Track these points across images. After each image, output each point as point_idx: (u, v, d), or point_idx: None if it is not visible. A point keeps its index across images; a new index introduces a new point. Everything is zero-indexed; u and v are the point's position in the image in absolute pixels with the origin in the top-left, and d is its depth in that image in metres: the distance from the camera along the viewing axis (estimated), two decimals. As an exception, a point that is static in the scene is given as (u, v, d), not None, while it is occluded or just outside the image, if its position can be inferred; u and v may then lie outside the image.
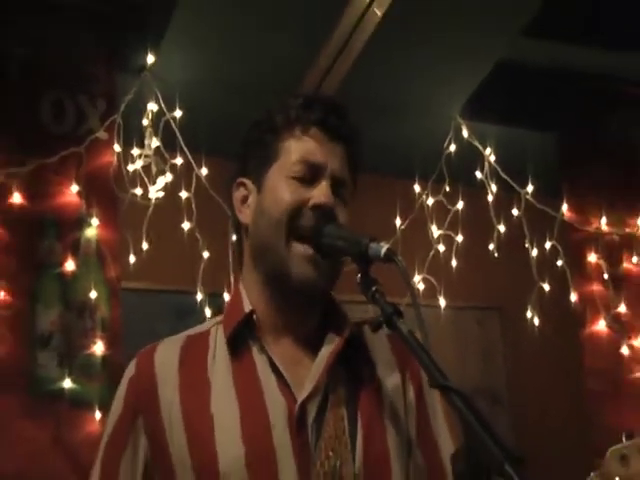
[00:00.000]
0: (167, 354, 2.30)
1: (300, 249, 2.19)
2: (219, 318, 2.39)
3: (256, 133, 2.34)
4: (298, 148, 2.26)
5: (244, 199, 2.32)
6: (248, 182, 2.31)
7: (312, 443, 2.17)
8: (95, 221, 4.63)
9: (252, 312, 2.26)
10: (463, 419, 1.86)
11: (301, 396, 2.18)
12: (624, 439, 2.05)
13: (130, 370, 2.32)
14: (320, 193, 2.21)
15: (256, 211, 2.28)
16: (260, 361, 2.24)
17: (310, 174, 2.23)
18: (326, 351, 2.24)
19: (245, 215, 2.31)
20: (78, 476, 2.40)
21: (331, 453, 2.17)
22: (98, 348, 4.46)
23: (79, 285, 4.56)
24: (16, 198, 4.54)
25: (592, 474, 2.05)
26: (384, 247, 2.07)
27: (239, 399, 2.20)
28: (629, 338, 5.58)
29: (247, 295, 2.31)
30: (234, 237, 2.41)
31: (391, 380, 2.30)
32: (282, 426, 2.16)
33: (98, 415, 4.33)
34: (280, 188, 2.24)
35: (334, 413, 2.20)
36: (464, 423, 1.85)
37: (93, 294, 4.55)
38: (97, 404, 4.35)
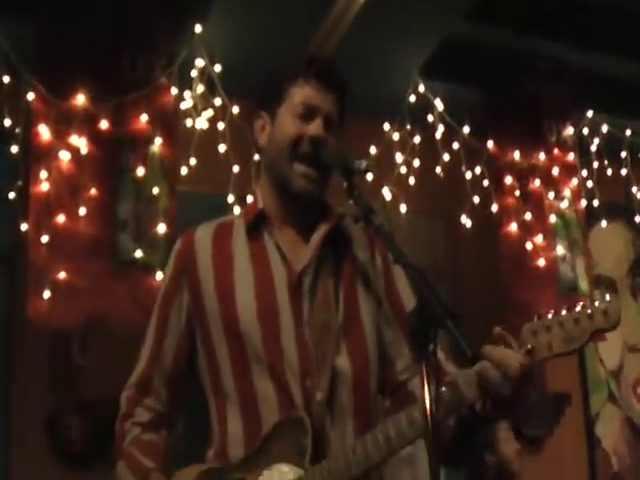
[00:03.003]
0: (203, 234, 2.41)
1: (300, 168, 2.29)
2: (240, 213, 2.52)
3: (272, 80, 2.42)
4: (300, 93, 2.33)
5: (262, 128, 2.41)
6: (265, 115, 2.40)
7: (306, 305, 2.28)
8: (159, 140, 4.67)
9: (264, 208, 2.39)
10: (417, 286, 1.97)
11: (298, 268, 2.31)
12: (535, 319, 2.04)
13: (177, 244, 2.44)
14: (315, 127, 2.31)
15: (269, 137, 2.38)
16: (269, 243, 2.35)
17: (309, 113, 2.31)
18: (317, 236, 2.35)
19: (262, 139, 2.41)
20: (146, 318, 2.58)
21: (322, 311, 2.28)
22: (160, 228, 4.54)
23: (147, 185, 4.60)
24: (103, 124, 4.58)
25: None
26: (364, 163, 2.23)
27: (253, 269, 2.33)
28: (531, 236, 5.73)
29: (261, 196, 2.41)
30: (256, 157, 2.61)
31: (364, 256, 2.39)
32: (283, 290, 2.29)
33: (160, 275, 4.33)
34: (286, 123, 2.33)
35: (323, 282, 2.31)
36: (417, 289, 1.96)
37: (156, 190, 4.61)
38: (159, 268, 4.40)
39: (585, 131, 6.03)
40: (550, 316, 2.02)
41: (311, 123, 2.32)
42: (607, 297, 2.01)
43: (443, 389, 2.04)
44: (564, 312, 2.01)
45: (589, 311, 1.99)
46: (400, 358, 2.36)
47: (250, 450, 2.23)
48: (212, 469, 2.28)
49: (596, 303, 1.98)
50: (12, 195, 4.53)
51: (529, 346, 2.01)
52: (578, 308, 2.00)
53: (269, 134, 2.38)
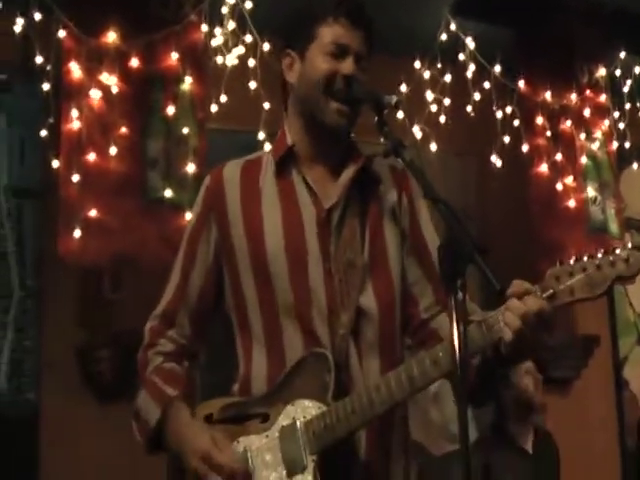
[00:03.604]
0: (232, 170, 2.43)
1: (334, 105, 2.29)
2: (269, 150, 2.53)
3: (300, 19, 2.42)
4: (331, 32, 2.32)
5: (290, 64, 2.39)
6: (293, 53, 2.38)
7: (333, 242, 2.30)
8: (189, 79, 4.66)
9: (293, 145, 2.39)
10: (446, 220, 1.97)
11: (327, 205, 2.32)
12: (557, 264, 2.05)
13: (206, 180, 2.46)
14: (347, 65, 2.30)
15: (300, 75, 2.36)
16: (297, 180, 2.37)
17: (339, 52, 2.31)
18: (346, 175, 2.36)
19: (290, 76, 2.39)
20: (173, 254, 2.59)
21: (348, 249, 2.30)
22: (189, 168, 4.57)
23: (177, 124, 4.61)
24: (134, 62, 4.58)
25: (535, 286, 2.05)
26: (394, 98, 2.23)
27: (281, 206, 2.34)
28: (562, 177, 5.70)
29: (290, 133, 2.41)
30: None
31: (391, 196, 2.40)
32: (312, 226, 2.31)
33: (189, 214, 4.19)
34: (318, 61, 2.32)
35: (350, 221, 2.33)
36: (447, 223, 1.96)
37: (186, 130, 4.61)
38: (188, 207, 4.38)
39: (617, 72, 5.96)
40: (573, 262, 2.03)
41: (342, 61, 2.32)
42: (629, 245, 2.01)
43: (470, 327, 2.05)
44: (586, 258, 2.02)
45: (611, 258, 1.99)
46: (424, 297, 2.38)
47: (273, 385, 2.26)
48: (235, 402, 2.33)
49: (618, 251, 1.99)
50: (44, 133, 4.55)
51: (551, 291, 2.03)
52: (600, 255, 2.01)
53: (300, 72, 2.38)
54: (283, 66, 2.43)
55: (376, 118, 2.24)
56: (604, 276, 2.00)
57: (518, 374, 4.58)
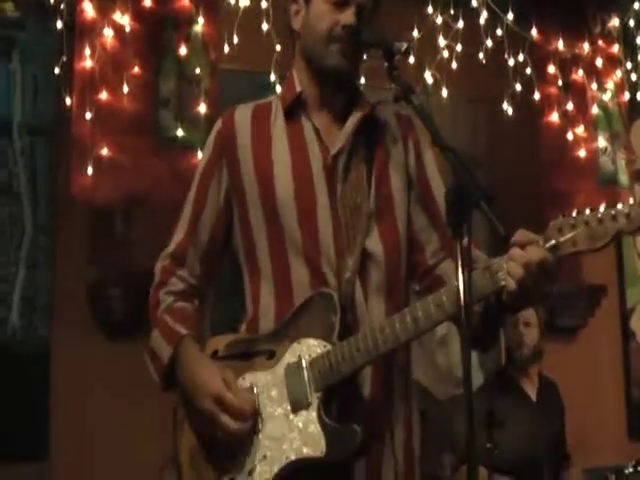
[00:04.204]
0: (243, 114, 2.46)
1: (335, 46, 2.31)
2: (277, 95, 2.54)
3: None
4: None
5: (297, 12, 2.43)
6: (300, 0, 2.42)
7: (340, 186, 2.34)
8: (201, 19, 4.61)
9: (302, 92, 2.42)
10: (454, 167, 1.98)
11: (333, 151, 2.36)
12: (560, 216, 2.08)
13: (217, 124, 2.49)
14: (347, 16, 2.32)
15: (304, 23, 2.40)
16: (306, 125, 2.40)
17: (342, 1, 2.33)
18: (351, 122, 2.39)
19: (296, 23, 2.43)
20: (184, 194, 2.61)
21: (354, 193, 2.35)
22: (201, 108, 4.52)
23: (189, 64, 4.56)
24: (146, 2, 4.50)
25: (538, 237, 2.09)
26: (404, 44, 2.23)
27: (290, 150, 2.38)
28: (573, 127, 5.68)
29: (298, 78, 2.44)
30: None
31: (397, 143, 2.44)
32: (319, 171, 2.35)
33: (200, 154, 4.25)
34: (321, 10, 2.35)
35: (356, 167, 2.37)
36: (454, 170, 1.97)
37: (198, 70, 4.56)
38: (199, 147, 4.35)
39: (631, 23, 5.91)
40: (575, 214, 2.06)
41: (343, 11, 2.34)
42: (631, 200, 2.04)
43: (474, 273, 2.08)
44: (588, 211, 2.05)
45: (613, 212, 2.02)
46: (429, 243, 2.42)
47: (280, 323, 2.31)
48: (242, 339, 2.38)
49: (619, 206, 2.02)
50: (57, 71, 4.55)
51: (553, 241, 2.07)
52: (602, 209, 2.04)
53: (304, 19, 2.41)
54: (290, 13, 2.46)
55: (385, 64, 2.24)
56: (605, 229, 2.03)
57: (512, 323, 4.62)
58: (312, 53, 2.39)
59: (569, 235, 2.06)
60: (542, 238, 2.08)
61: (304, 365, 2.22)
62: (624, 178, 5.81)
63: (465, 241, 1.89)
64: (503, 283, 2.08)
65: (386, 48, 2.25)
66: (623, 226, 2.02)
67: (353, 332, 2.23)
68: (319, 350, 2.22)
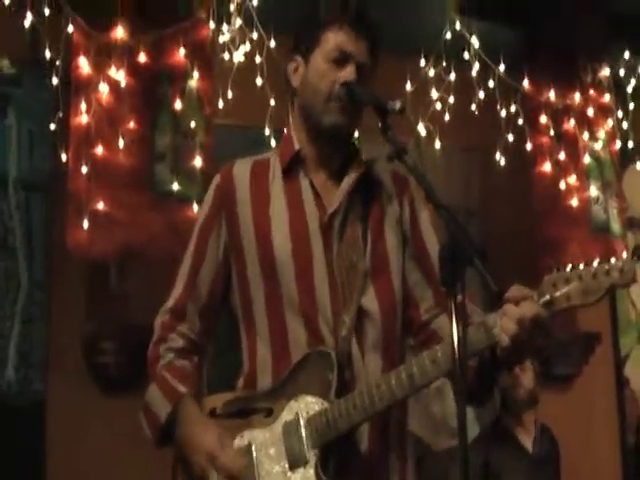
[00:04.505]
0: (242, 169, 2.47)
1: (334, 105, 2.34)
2: (276, 150, 2.54)
3: (306, 25, 2.49)
4: (335, 39, 2.37)
5: (295, 69, 2.44)
6: (298, 58, 2.44)
7: (336, 244, 2.35)
8: (196, 74, 4.67)
9: (300, 149, 2.44)
10: (447, 225, 2.02)
11: (330, 210, 2.37)
12: (554, 271, 2.09)
13: (216, 179, 2.50)
14: (347, 72, 2.35)
15: (303, 80, 2.42)
16: (304, 183, 2.42)
17: (342, 58, 2.36)
18: (347, 182, 2.40)
19: (295, 80, 2.44)
20: (182, 249, 2.62)
21: (350, 252, 2.35)
22: (197, 162, 4.59)
23: (184, 118, 4.62)
24: (141, 57, 4.60)
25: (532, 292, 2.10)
26: (398, 103, 2.26)
27: (288, 208, 2.39)
28: (565, 176, 5.72)
29: (296, 136, 2.46)
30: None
31: (392, 201, 2.46)
32: (316, 229, 2.36)
33: (195, 207, 4.42)
34: (321, 67, 2.37)
35: (352, 225, 2.38)
36: (448, 228, 2.01)
37: (193, 124, 4.63)
38: (195, 201, 4.46)
39: (621, 72, 5.96)
40: (569, 268, 2.08)
41: (343, 68, 2.36)
42: (624, 255, 2.06)
43: (469, 329, 2.09)
44: (582, 266, 2.06)
45: (607, 267, 2.04)
46: (424, 300, 2.42)
47: (277, 381, 2.31)
48: (239, 397, 2.38)
49: (612, 260, 2.03)
50: (53, 126, 4.58)
51: (548, 297, 2.08)
52: (596, 263, 2.05)
53: (303, 76, 2.44)
54: (289, 70, 2.48)
55: (380, 123, 2.27)
56: (599, 284, 2.04)
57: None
58: (311, 110, 2.41)
59: (563, 290, 2.07)
60: (536, 293, 2.09)
61: (301, 423, 2.23)
62: (616, 226, 5.85)
63: (459, 297, 1.90)
64: (497, 339, 2.09)
65: (379, 107, 2.28)
66: (616, 280, 2.03)
67: (350, 389, 2.24)
68: (316, 407, 2.22)
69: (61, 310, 4.68)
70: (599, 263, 2.05)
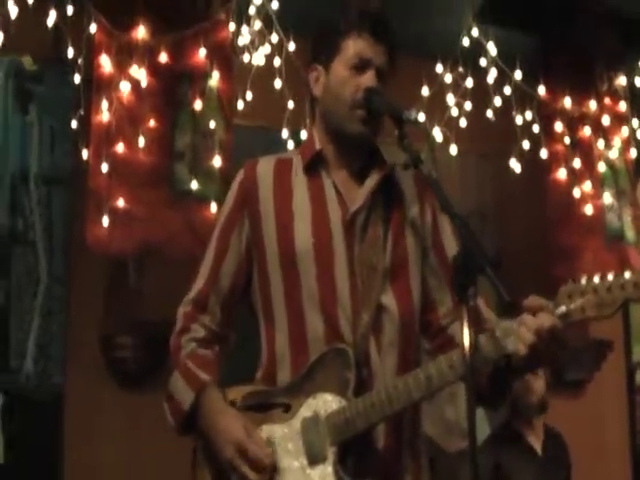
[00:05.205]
0: (265, 167, 2.51)
1: (357, 113, 2.38)
2: (298, 150, 2.60)
3: (326, 33, 2.51)
4: (355, 47, 2.41)
5: (316, 79, 2.49)
6: (319, 67, 2.48)
7: (357, 243, 2.39)
8: (216, 75, 4.73)
9: (321, 150, 2.49)
10: (461, 235, 2.10)
11: (352, 208, 2.41)
12: (570, 282, 2.13)
13: (240, 175, 2.54)
14: (368, 79, 2.40)
15: (325, 88, 2.47)
16: (326, 182, 2.45)
17: (362, 65, 2.40)
18: (370, 181, 2.45)
19: (317, 89, 2.49)
20: (199, 247, 2.64)
21: (371, 252, 2.39)
22: (216, 162, 4.63)
23: (204, 118, 4.67)
24: (162, 57, 4.65)
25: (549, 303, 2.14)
26: (414, 113, 2.33)
27: (311, 205, 2.43)
28: (580, 183, 5.74)
29: (318, 138, 2.51)
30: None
31: (414, 206, 2.49)
32: (338, 227, 2.39)
33: (214, 207, 4.50)
34: (342, 75, 2.42)
35: (374, 225, 2.41)
36: (461, 237, 2.10)
37: (213, 124, 4.68)
38: (214, 200, 4.54)
39: (637, 81, 5.94)
40: (585, 281, 2.12)
41: (364, 74, 2.41)
42: (638, 260, 2.10)
43: (482, 337, 2.16)
44: (597, 279, 2.10)
45: (621, 281, 2.08)
46: (442, 304, 2.47)
47: (296, 377, 2.36)
48: (259, 391, 2.42)
49: (627, 274, 2.07)
50: (74, 124, 4.63)
51: (564, 308, 2.13)
52: (610, 277, 2.09)
53: (324, 85, 2.48)
54: (310, 80, 2.53)
55: (396, 132, 2.32)
56: (614, 298, 2.08)
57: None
58: (334, 118, 2.46)
59: (578, 303, 2.11)
60: (552, 304, 2.14)
61: (320, 420, 2.27)
62: (631, 234, 5.86)
63: (471, 304, 1.96)
64: (513, 347, 2.14)
65: (396, 116, 2.33)
66: (631, 295, 2.07)
67: (367, 387, 2.28)
68: (335, 405, 2.26)
69: (80, 305, 4.72)
70: (614, 276, 2.09)
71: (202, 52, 4.75)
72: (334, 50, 2.45)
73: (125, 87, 4.57)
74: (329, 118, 2.49)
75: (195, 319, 2.51)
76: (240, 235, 2.49)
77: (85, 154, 4.57)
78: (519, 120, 5.52)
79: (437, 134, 5.30)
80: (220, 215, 2.59)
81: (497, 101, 5.43)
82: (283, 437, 2.31)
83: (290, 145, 4.79)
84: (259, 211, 2.46)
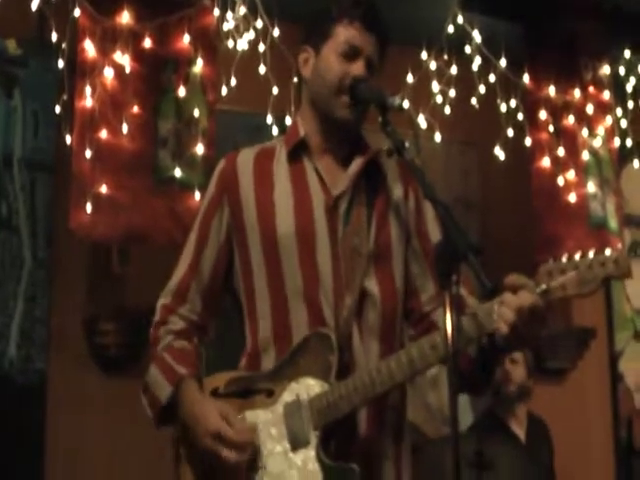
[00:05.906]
0: (246, 157, 2.54)
1: (344, 99, 2.40)
2: (281, 138, 2.62)
3: (318, 17, 2.54)
4: (345, 33, 2.44)
5: (306, 61, 2.52)
6: (309, 49, 2.51)
7: (341, 228, 2.40)
8: (200, 61, 4.70)
9: (305, 137, 2.50)
10: (443, 221, 2.10)
11: (335, 192, 2.43)
12: (550, 261, 2.15)
13: (220, 164, 2.57)
14: (358, 67, 2.42)
15: (313, 71, 2.50)
16: (309, 168, 2.47)
17: (352, 53, 2.43)
18: (354, 166, 2.47)
19: (305, 71, 2.52)
20: (182, 234, 2.64)
21: (354, 236, 2.40)
22: (199, 149, 4.60)
23: (187, 105, 4.64)
24: (147, 43, 4.61)
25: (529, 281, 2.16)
26: (397, 99, 2.33)
27: (293, 191, 2.45)
28: (563, 172, 5.73)
29: (302, 124, 2.53)
30: (294, 80, 2.68)
31: (398, 191, 2.51)
32: (321, 212, 2.41)
33: (197, 195, 4.50)
34: (331, 60, 2.45)
35: (357, 210, 2.43)
36: (444, 224, 2.09)
37: (197, 112, 4.65)
38: (197, 187, 4.52)
39: (622, 70, 5.99)
40: (565, 259, 2.14)
41: (354, 63, 2.43)
42: (619, 246, 2.13)
43: (464, 318, 2.18)
44: (578, 257, 2.13)
45: (602, 258, 2.11)
46: (425, 290, 2.49)
47: (278, 362, 2.38)
48: (241, 377, 2.44)
49: (607, 252, 2.10)
50: (58, 109, 4.61)
51: (544, 286, 2.14)
52: (591, 255, 2.12)
53: (313, 67, 2.51)
54: (299, 60, 2.55)
55: (380, 118, 2.34)
56: (594, 275, 2.11)
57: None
58: (321, 102, 2.49)
59: (559, 280, 2.13)
60: (533, 282, 2.16)
61: (303, 404, 2.29)
62: (613, 223, 5.87)
63: (454, 289, 1.98)
64: (494, 325, 2.16)
65: (380, 103, 2.35)
66: (611, 271, 2.10)
67: (349, 371, 2.30)
68: (317, 389, 2.28)
69: (63, 290, 4.74)
70: (595, 254, 2.12)
71: (186, 38, 4.73)
72: (325, 34, 2.47)
73: (109, 72, 4.54)
74: (316, 100, 2.51)
75: (174, 311, 2.53)
76: (220, 223, 2.51)
77: (69, 139, 4.56)
78: (503, 108, 5.52)
79: (422, 121, 5.30)
80: (201, 204, 2.61)
81: (482, 89, 5.43)
82: (266, 422, 2.32)
83: (275, 131, 4.78)
84: (240, 199, 2.48)
